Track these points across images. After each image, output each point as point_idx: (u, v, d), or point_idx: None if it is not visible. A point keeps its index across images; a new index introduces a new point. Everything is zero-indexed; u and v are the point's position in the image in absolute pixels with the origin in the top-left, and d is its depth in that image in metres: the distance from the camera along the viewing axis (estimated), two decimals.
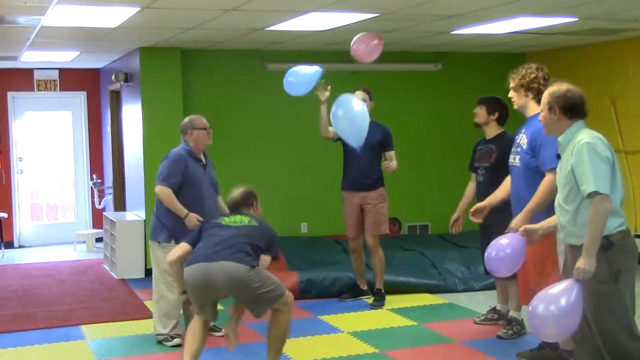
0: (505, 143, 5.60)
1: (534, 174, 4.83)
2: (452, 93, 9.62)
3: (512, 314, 5.80)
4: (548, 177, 4.67)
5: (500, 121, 5.82)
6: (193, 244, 4.80)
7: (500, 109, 5.79)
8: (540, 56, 9.78)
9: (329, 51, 9.10)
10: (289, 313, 4.70)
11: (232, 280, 4.49)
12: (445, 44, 8.67)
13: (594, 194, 3.66)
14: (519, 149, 4.97)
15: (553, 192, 4.60)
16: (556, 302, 3.62)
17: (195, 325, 4.70)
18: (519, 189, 4.98)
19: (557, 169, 4.00)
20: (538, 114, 4.76)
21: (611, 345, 3.79)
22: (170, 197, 5.58)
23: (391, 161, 6.84)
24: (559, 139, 3.95)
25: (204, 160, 5.83)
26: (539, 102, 4.81)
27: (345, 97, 5.49)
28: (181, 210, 5.56)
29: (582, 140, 3.79)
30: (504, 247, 4.14)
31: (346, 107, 5.42)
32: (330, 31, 7.25)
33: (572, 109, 3.93)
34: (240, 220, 4.78)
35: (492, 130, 5.83)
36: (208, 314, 4.70)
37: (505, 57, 9.76)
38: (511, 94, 5.03)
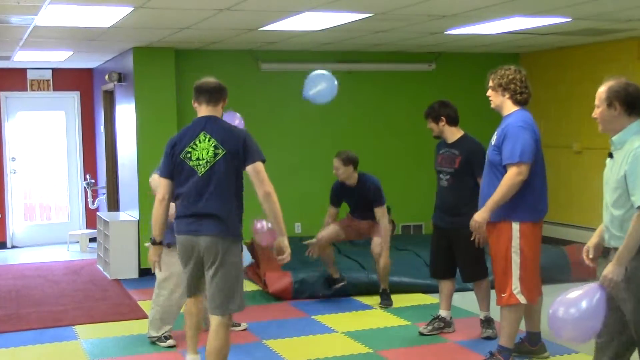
0: (467, 147, 5.63)
1: (497, 169, 4.91)
2: (446, 93, 9.57)
3: (487, 314, 5.84)
4: (509, 172, 4.77)
5: (451, 122, 5.74)
6: (170, 176, 4.50)
7: (443, 111, 5.72)
8: (533, 56, 9.81)
9: (323, 51, 9.10)
10: (227, 332, 4.43)
11: (212, 250, 4.33)
12: (439, 44, 8.68)
13: None
14: (489, 146, 5.05)
15: (514, 186, 4.74)
16: (577, 305, 3.55)
17: (188, 307, 4.69)
18: (483, 185, 5.07)
19: (607, 169, 3.85)
20: (513, 113, 4.93)
21: None
22: None
23: (381, 218, 6.81)
24: (613, 138, 3.78)
25: None
26: (515, 102, 4.95)
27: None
28: None
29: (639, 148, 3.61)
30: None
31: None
32: (324, 31, 7.24)
33: (633, 104, 3.73)
34: (206, 155, 4.35)
35: (450, 134, 5.74)
36: (193, 280, 4.55)
37: (498, 57, 9.77)
38: (489, 93, 5.06)
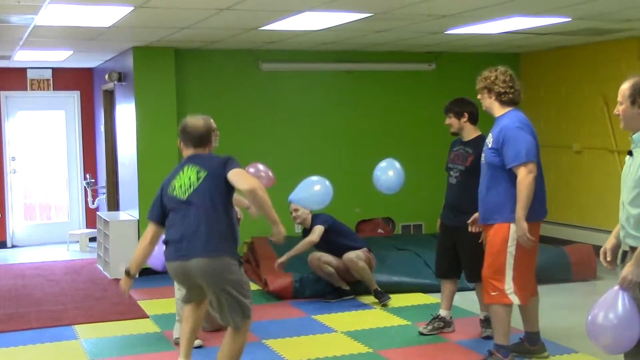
0: (481, 147, 5.49)
1: (495, 171, 4.89)
2: (446, 93, 9.56)
3: (487, 314, 5.80)
4: (520, 174, 4.74)
5: (472, 120, 5.70)
6: (158, 220, 4.50)
7: (467, 108, 5.68)
8: (533, 56, 9.81)
9: (323, 51, 9.11)
10: (245, 336, 4.43)
11: (208, 273, 4.27)
12: (439, 43, 8.68)
13: None
14: (485, 148, 5.04)
15: (530, 185, 4.69)
16: (614, 312, 3.53)
17: (187, 312, 4.64)
18: (482, 187, 5.05)
19: (625, 167, 3.78)
20: (505, 114, 4.93)
21: None
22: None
23: (312, 234, 7.01)
24: (634, 136, 3.71)
25: None
26: (502, 102, 4.95)
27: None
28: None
29: None
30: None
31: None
32: (324, 31, 7.24)
33: None
34: (189, 181, 4.34)
35: (469, 133, 5.70)
36: (194, 295, 4.56)
37: (498, 57, 9.76)
38: (478, 95, 5.09)
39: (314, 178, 6.30)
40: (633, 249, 3.68)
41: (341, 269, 7.00)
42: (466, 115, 5.68)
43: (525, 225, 4.71)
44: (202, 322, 4.78)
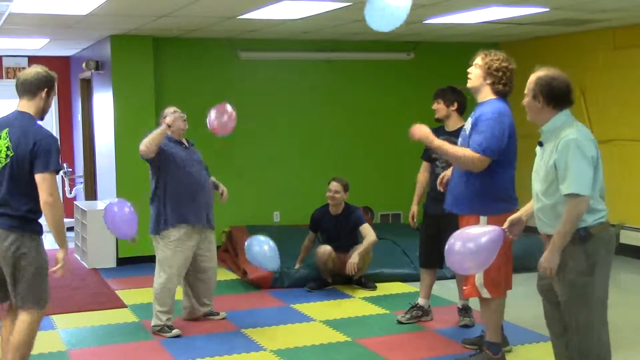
0: None
1: None
2: (424, 82, 9.64)
3: (465, 303, 5.85)
4: (472, 154, 4.60)
5: (461, 110, 5.63)
6: None
7: (458, 97, 5.59)
8: (511, 46, 9.84)
9: (302, 40, 9.09)
10: (35, 328, 4.28)
11: (9, 239, 4.18)
12: (418, 33, 8.70)
13: (572, 196, 3.58)
14: (462, 134, 4.86)
15: (469, 163, 4.61)
16: (474, 240, 3.84)
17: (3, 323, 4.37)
18: (453, 171, 4.94)
19: (537, 158, 3.85)
20: (489, 101, 4.70)
21: (583, 336, 3.73)
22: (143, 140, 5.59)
23: (368, 230, 7.12)
24: (543, 127, 3.81)
25: (186, 144, 5.92)
26: (494, 91, 4.70)
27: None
28: (158, 130, 5.56)
29: (568, 136, 3.64)
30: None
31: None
32: (303, 20, 7.23)
33: (557, 98, 3.75)
34: (2, 154, 4.14)
35: (454, 122, 5.61)
36: None
37: (477, 46, 9.63)
38: (471, 69, 4.80)
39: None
40: (549, 236, 3.79)
41: (337, 265, 7.07)
42: (456, 104, 5.61)
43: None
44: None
